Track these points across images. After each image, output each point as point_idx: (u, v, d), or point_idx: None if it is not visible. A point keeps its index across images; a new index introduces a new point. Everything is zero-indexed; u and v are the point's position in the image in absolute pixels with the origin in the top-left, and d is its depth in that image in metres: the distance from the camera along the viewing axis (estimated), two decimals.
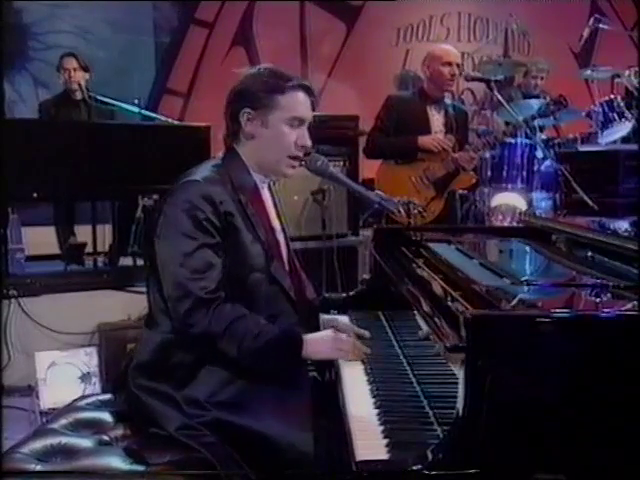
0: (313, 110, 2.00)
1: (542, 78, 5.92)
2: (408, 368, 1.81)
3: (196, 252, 1.82)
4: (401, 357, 1.91)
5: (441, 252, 2.08)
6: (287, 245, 2.10)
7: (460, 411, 1.22)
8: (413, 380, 1.71)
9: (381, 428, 1.45)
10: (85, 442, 1.80)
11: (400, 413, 1.52)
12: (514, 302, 1.40)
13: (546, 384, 1.23)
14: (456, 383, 1.45)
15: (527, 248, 2.23)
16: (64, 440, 1.78)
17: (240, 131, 1.97)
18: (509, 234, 2.51)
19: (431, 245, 2.21)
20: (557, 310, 1.28)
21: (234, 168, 1.97)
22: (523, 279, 1.62)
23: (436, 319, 1.50)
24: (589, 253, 1.92)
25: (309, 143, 1.97)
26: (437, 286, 1.69)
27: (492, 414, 1.20)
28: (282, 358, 1.85)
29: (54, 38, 6.45)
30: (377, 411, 1.54)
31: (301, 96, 1.96)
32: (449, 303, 1.46)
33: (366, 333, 2.08)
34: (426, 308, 1.62)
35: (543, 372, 1.23)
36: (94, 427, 1.88)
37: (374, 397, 1.62)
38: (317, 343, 1.89)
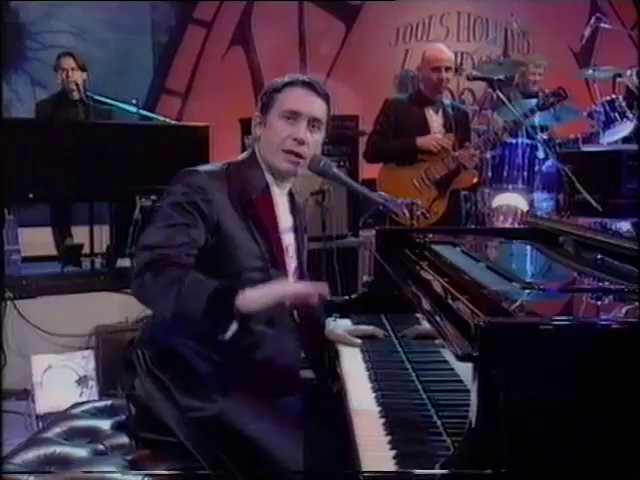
0: (328, 109, 1.97)
1: (540, 74, 5.89)
2: (414, 374, 1.75)
3: (172, 227, 1.77)
4: (406, 363, 1.85)
5: (446, 254, 2.02)
6: (299, 255, 2.04)
7: (473, 423, 1.17)
8: (419, 387, 1.66)
9: (388, 439, 1.39)
10: (80, 451, 1.75)
11: (407, 423, 1.47)
12: (527, 308, 1.35)
13: (565, 395, 1.17)
14: (464, 391, 1.40)
15: (534, 250, 2.18)
16: (58, 450, 1.74)
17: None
18: (514, 235, 2.47)
19: (436, 247, 2.16)
20: (575, 317, 1.23)
21: (246, 168, 1.95)
22: (534, 283, 1.56)
23: (444, 325, 1.44)
24: (598, 256, 1.87)
25: (302, 136, 1.91)
26: (444, 290, 1.64)
27: (507, 426, 1.15)
28: (215, 307, 1.68)
29: (51, 37, 6.42)
30: (383, 420, 1.48)
31: (298, 91, 1.94)
32: (458, 309, 1.41)
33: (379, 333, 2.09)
34: (433, 313, 1.56)
35: (561, 382, 1.17)
36: (89, 436, 1.84)
37: (379, 405, 1.57)
38: (254, 290, 1.72)
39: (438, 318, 1.49)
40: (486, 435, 1.16)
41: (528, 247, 2.23)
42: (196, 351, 1.79)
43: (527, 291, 1.49)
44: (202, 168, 1.89)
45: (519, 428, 1.16)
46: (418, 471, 1.25)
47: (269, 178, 1.98)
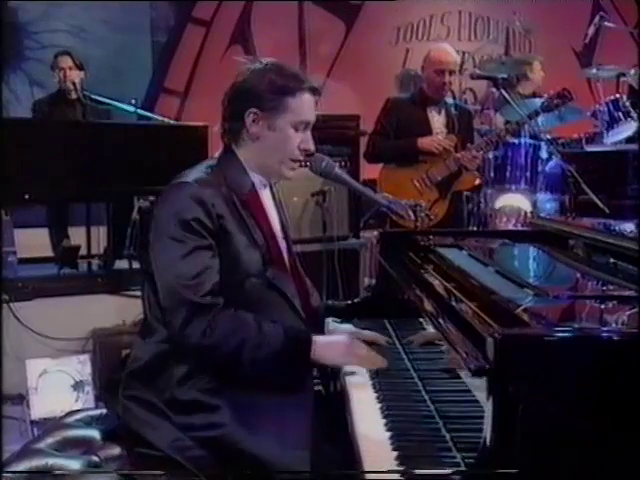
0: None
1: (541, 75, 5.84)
2: (420, 384, 1.68)
3: (189, 256, 1.72)
4: (411, 371, 1.78)
5: (453, 258, 1.95)
6: (289, 250, 1.98)
7: (487, 441, 1.09)
8: (426, 398, 1.59)
9: (394, 454, 1.32)
10: (73, 463, 1.67)
11: (414, 437, 1.39)
12: (544, 317, 1.27)
13: (589, 412, 1.09)
14: (474, 401, 1.34)
15: (543, 254, 2.10)
16: (50, 461, 1.66)
17: (243, 131, 1.87)
18: (520, 238, 2.40)
19: (441, 250, 2.09)
20: (599, 327, 1.14)
21: (230, 169, 1.87)
22: (547, 290, 1.48)
23: (455, 335, 1.36)
24: (610, 259, 1.79)
25: (312, 147, 1.88)
26: (453, 297, 1.56)
27: (525, 446, 1.07)
28: (288, 363, 1.74)
29: (50, 37, 6.38)
30: (389, 434, 1.41)
31: (309, 99, 1.88)
32: (469, 318, 1.33)
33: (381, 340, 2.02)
34: (442, 322, 1.49)
35: (585, 398, 1.09)
36: (83, 446, 1.76)
37: (385, 418, 1.50)
38: (328, 346, 1.78)
39: (447, 327, 1.42)
40: (502, 455, 1.08)
41: (537, 250, 2.16)
42: (194, 370, 1.74)
43: (541, 298, 1.41)
44: (191, 178, 1.80)
45: (538, 448, 1.08)
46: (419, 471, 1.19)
47: (254, 177, 1.90)
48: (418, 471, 1.24)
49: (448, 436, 1.38)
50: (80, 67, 5.06)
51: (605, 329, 1.21)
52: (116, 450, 1.75)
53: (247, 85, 1.86)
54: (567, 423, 1.10)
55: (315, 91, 1.89)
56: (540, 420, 1.10)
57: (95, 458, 1.72)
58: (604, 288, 1.61)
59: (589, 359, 1.11)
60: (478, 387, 1.29)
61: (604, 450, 1.11)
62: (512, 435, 1.08)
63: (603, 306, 1.41)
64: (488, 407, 1.11)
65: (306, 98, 1.86)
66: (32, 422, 3.31)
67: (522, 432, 1.08)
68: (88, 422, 1.90)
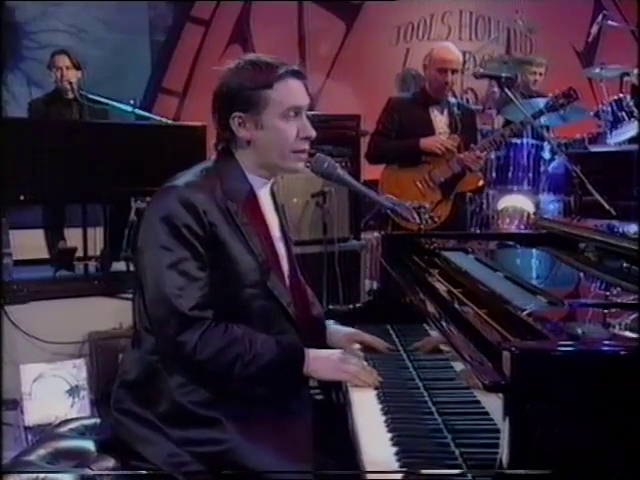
0: (309, 94, 1.82)
1: (541, 74, 5.78)
2: (426, 394, 1.60)
3: (174, 267, 1.64)
4: (417, 380, 1.70)
5: (459, 262, 1.88)
6: (289, 256, 1.90)
7: (504, 463, 1.02)
8: (433, 409, 1.51)
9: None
10: (65, 477, 1.60)
11: (422, 452, 1.32)
12: (563, 329, 1.19)
13: (615, 433, 1.02)
14: (484, 414, 1.27)
15: (554, 258, 2.03)
16: (41, 475, 1.59)
17: (234, 138, 1.79)
18: (526, 240, 2.33)
19: (446, 254, 2.02)
20: (625, 340, 1.06)
21: (226, 172, 1.78)
22: (562, 297, 1.41)
23: (462, 343, 1.29)
24: (624, 263, 1.72)
25: (312, 133, 1.77)
26: (461, 304, 1.49)
27: (544, 469, 1.00)
28: (281, 378, 1.71)
29: (48, 37, 6.34)
30: (395, 449, 1.34)
31: (292, 83, 1.77)
32: (481, 328, 1.26)
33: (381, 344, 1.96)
34: (448, 329, 1.42)
35: (611, 418, 1.02)
36: (76, 458, 1.69)
37: (390, 432, 1.43)
38: (321, 360, 1.74)
39: (455, 335, 1.34)
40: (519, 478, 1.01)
41: (546, 254, 2.09)
42: (184, 382, 1.68)
43: (556, 306, 1.34)
44: (182, 181, 1.72)
45: (559, 472, 1.01)
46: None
47: (253, 180, 1.81)
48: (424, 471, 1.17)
49: (457, 452, 1.31)
50: (77, 66, 5.00)
51: (633, 341, 1.13)
52: (110, 462, 1.68)
53: (224, 89, 1.79)
54: (593, 447, 1.03)
55: (297, 74, 1.79)
56: (561, 443, 1.02)
57: (89, 470, 1.65)
58: (621, 295, 1.54)
59: (615, 374, 1.04)
60: (488, 399, 1.23)
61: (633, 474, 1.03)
62: (530, 458, 1.01)
63: (624, 315, 1.33)
64: (504, 428, 1.04)
65: (288, 84, 1.76)
66: (26, 428, 3.24)
67: (541, 456, 1.01)
68: (82, 432, 1.82)
